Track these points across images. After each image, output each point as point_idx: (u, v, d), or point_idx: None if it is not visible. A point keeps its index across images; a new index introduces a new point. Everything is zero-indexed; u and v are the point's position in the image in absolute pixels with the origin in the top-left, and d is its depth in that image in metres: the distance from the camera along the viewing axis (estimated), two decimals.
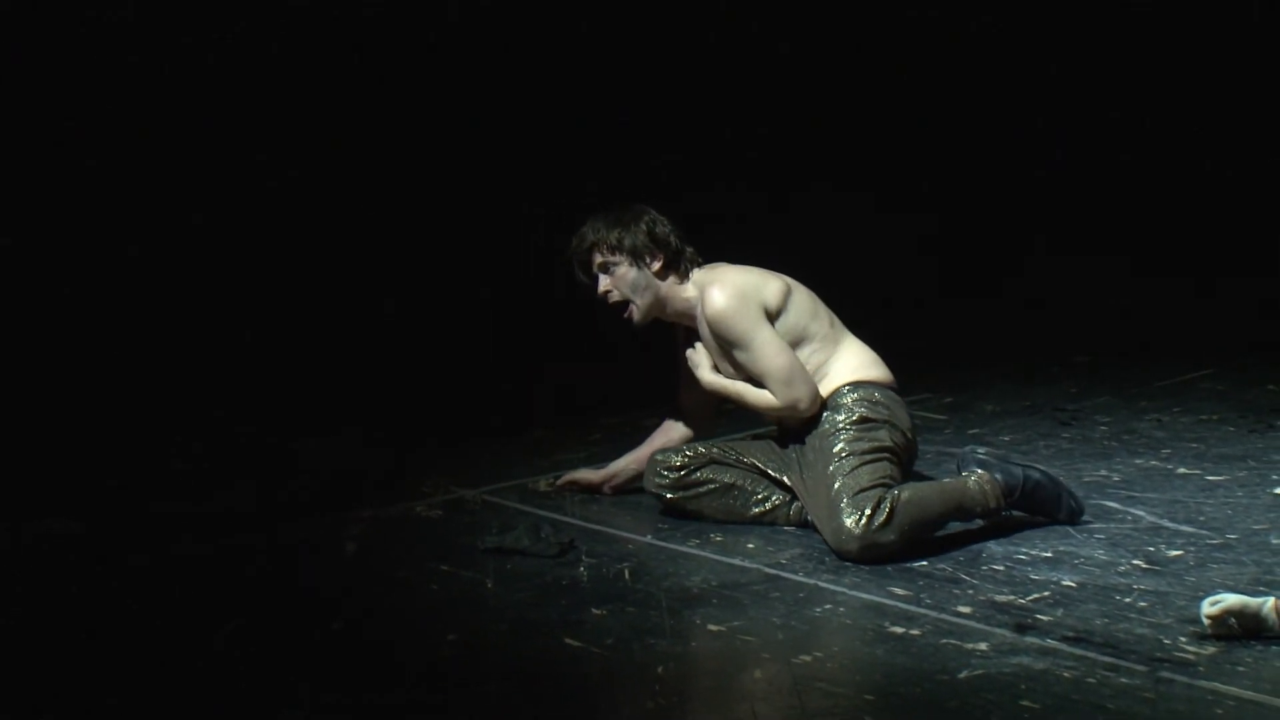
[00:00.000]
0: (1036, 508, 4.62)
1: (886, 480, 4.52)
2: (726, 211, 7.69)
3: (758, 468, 4.81)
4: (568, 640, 3.87)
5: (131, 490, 5.28)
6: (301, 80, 7.34)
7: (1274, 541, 4.45)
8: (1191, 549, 4.41)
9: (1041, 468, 4.72)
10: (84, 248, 6.84)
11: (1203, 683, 3.49)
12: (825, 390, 4.69)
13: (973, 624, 3.89)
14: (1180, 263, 8.30)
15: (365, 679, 3.70)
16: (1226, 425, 5.80)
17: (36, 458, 5.61)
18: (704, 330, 4.75)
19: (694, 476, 4.82)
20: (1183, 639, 3.74)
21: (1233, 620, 3.68)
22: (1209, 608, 3.71)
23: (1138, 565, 4.29)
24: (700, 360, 4.80)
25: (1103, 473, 5.22)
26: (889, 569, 4.31)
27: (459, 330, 7.34)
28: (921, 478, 4.81)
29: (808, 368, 4.68)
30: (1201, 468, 5.25)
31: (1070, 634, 3.80)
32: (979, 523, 4.59)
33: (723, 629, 3.95)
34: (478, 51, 7.88)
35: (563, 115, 7.92)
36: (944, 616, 3.95)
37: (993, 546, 4.48)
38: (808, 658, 3.72)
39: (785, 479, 4.76)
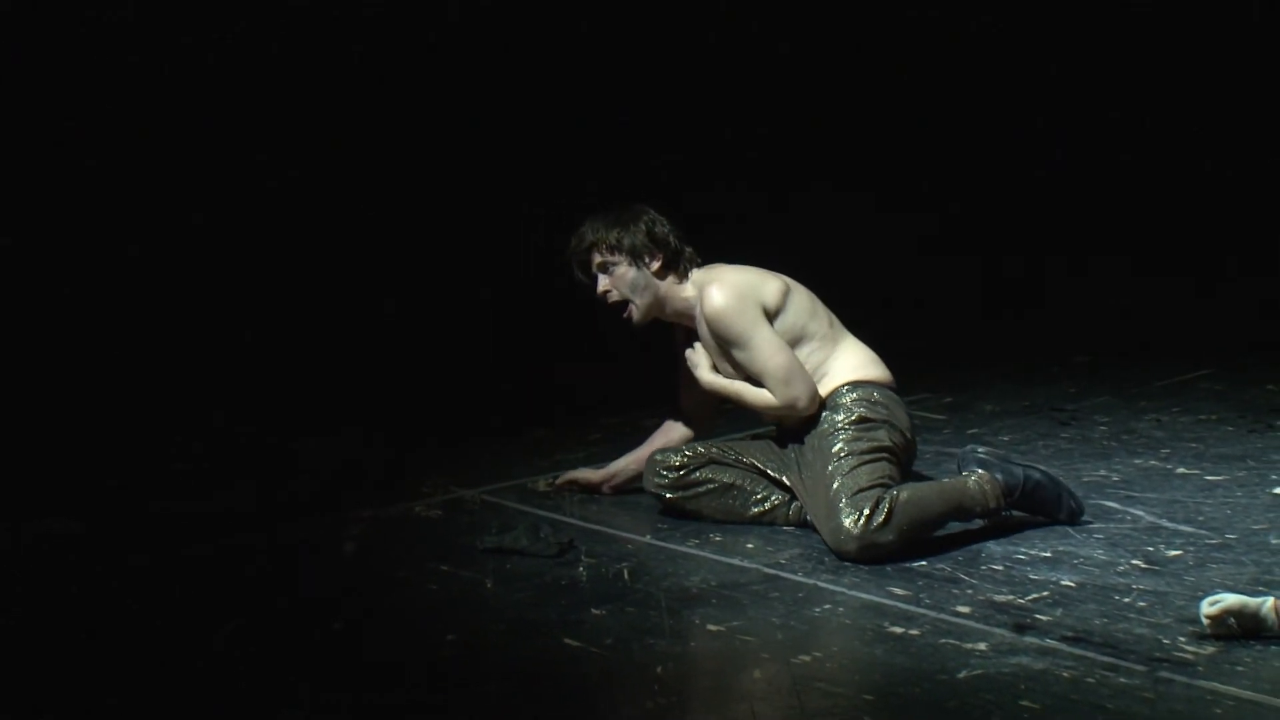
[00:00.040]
0: (1036, 508, 4.62)
1: (885, 480, 4.52)
2: (726, 211, 7.70)
3: (757, 467, 4.81)
4: (567, 640, 3.87)
5: (131, 490, 5.28)
6: (301, 80, 7.34)
7: (1273, 541, 4.45)
8: (1190, 549, 4.41)
9: (1042, 468, 4.71)
10: (84, 248, 6.84)
11: (1202, 682, 3.49)
12: (824, 390, 4.69)
13: (972, 624, 3.90)
14: (1180, 263, 8.30)
15: (365, 679, 3.70)
16: (1226, 425, 5.80)
17: (36, 458, 5.61)
18: (703, 330, 4.75)
19: (693, 476, 4.82)
20: (1182, 639, 3.74)
21: (1232, 620, 3.68)
22: (1208, 607, 3.72)
23: (1137, 565, 4.29)
24: (699, 360, 4.81)
25: (1102, 473, 5.22)
26: (888, 569, 4.32)
27: (459, 330, 7.35)
28: (921, 478, 4.81)
29: (806, 367, 4.68)
30: (1201, 468, 5.25)
31: (1069, 634, 3.80)
32: (978, 522, 4.58)
33: (722, 629, 3.95)
34: (478, 51, 7.88)
35: (563, 115, 7.92)
36: (943, 616, 3.95)
37: (992, 546, 4.48)
38: (807, 658, 3.72)
39: (784, 479, 4.76)
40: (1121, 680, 3.52)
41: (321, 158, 7.37)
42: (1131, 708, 3.39)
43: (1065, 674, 3.57)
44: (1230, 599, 3.72)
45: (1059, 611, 3.96)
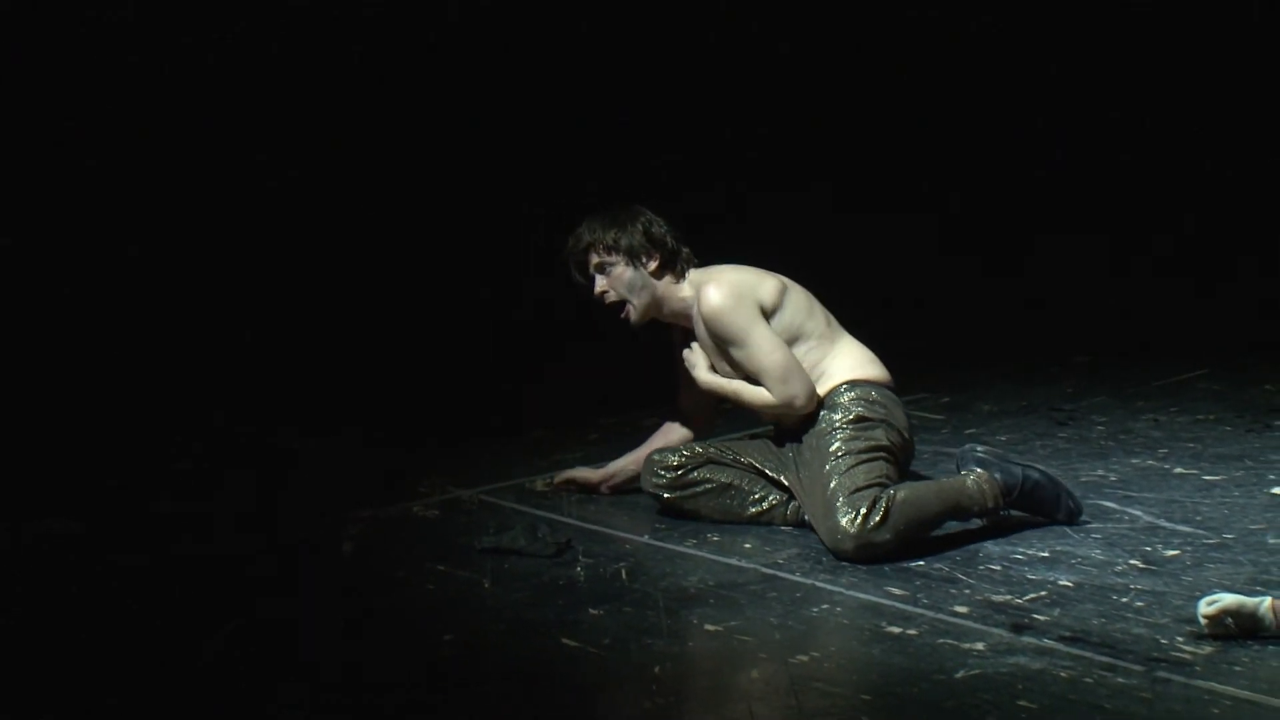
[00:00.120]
0: (1035, 508, 4.62)
1: (882, 480, 4.52)
2: (726, 211, 7.70)
3: (755, 467, 4.81)
4: (565, 640, 3.88)
5: (131, 490, 5.29)
6: (301, 80, 7.35)
7: (1270, 541, 4.45)
8: (1188, 549, 4.41)
9: (1040, 467, 4.70)
10: (84, 248, 6.85)
11: (1199, 682, 3.49)
12: (822, 389, 4.69)
13: (969, 624, 3.90)
14: (1180, 263, 8.30)
15: (365, 679, 3.71)
16: (1223, 425, 5.80)
17: (36, 458, 5.62)
18: (700, 329, 4.76)
19: (691, 476, 4.83)
20: (1179, 639, 3.74)
21: (1229, 620, 3.69)
22: (1206, 607, 3.72)
23: (1134, 565, 4.30)
24: (697, 360, 4.81)
25: (1100, 472, 5.22)
26: (886, 569, 4.32)
27: (459, 330, 7.35)
28: (918, 477, 4.81)
29: (804, 366, 4.68)
30: (1198, 467, 5.25)
31: (1067, 634, 3.80)
32: (976, 522, 4.58)
33: (720, 629, 3.95)
34: (478, 51, 7.88)
35: (563, 115, 7.93)
36: (941, 616, 3.96)
37: (990, 546, 4.49)
38: (804, 657, 3.73)
39: (782, 479, 4.76)
40: (1119, 680, 3.53)
41: (321, 158, 7.37)
42: (1129, 707, 3.39)
43: (1063, 674, 3.57)
44: (1228, 599, 3.72)
45: (1056, 611, 3.96)
